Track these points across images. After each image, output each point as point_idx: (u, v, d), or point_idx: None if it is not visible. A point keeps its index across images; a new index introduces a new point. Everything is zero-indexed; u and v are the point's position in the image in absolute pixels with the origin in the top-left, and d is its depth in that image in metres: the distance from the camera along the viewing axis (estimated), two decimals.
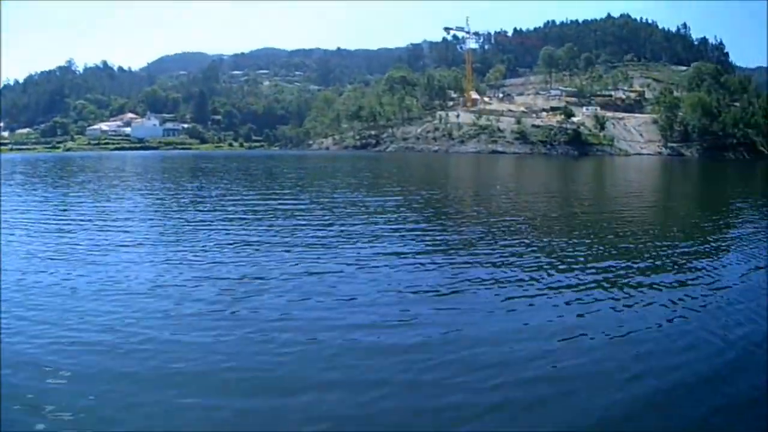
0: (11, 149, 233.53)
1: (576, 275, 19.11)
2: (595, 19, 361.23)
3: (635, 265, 20.68)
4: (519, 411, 10.02)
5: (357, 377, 11.22)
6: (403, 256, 22.01)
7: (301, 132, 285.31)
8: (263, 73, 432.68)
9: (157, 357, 11.86)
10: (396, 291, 17.04)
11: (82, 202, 42.35)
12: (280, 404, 10.18)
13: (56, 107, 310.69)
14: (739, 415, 10.06)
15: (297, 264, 20.19)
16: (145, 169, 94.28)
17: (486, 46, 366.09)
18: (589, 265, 20.50)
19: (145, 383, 10.72)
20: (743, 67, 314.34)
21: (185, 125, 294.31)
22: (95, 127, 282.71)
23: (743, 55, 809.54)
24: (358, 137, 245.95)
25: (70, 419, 9.51)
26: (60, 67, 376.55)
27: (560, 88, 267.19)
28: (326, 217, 32.56)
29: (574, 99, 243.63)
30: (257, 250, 22.66)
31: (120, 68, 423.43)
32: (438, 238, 26.32)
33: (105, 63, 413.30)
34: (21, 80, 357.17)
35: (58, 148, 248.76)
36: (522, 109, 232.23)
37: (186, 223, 30.03)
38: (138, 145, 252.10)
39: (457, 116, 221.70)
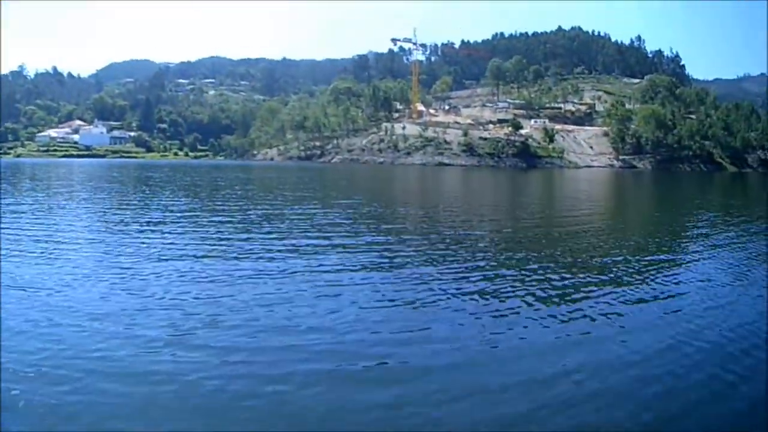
0: None
1: (510, 288, 18.01)
2: (545, 32, 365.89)
3: (578, 278, 19.62)
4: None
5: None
6: (349, 270, 20.39)
7: (246, 142, 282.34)
8: (209, 82, 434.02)
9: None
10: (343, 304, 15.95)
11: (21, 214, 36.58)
12: None
13: (7, 112, 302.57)
14: None
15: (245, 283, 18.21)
16: (91, 178, 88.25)
17: (433, 58, 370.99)
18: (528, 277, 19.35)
19: None
20: (701, 80, 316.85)
21: (132, 133, 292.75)
22: (44, 133, 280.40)
23: (700, 68, 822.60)
24: (302, 148, 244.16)
25: None
26: (12, 72, 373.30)
27: (508, 100, 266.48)
28: (273, 233, 29.72)
29: (522, 111, 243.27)
30: (206, 277, 19.28)
31: (69, 74, 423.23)
32: (387, 253, 23.91)
33: (55, 69, 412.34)
34: None
35: (9, 153, 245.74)
36: (469, 121, 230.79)
37: (126, 242, 25.94)
38: (85, 153, 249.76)
39: (403, 128, 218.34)
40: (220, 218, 35.27)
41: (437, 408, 9.85)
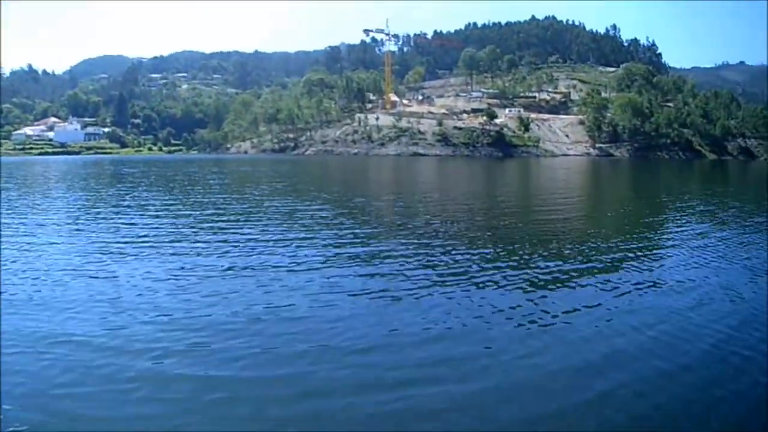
0: None
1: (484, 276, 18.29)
2: (519, 21, 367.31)
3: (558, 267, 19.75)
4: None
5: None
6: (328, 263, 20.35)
7: (219, 135, 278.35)
8: (182, 77, 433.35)
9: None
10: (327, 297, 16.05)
11: None
12: None
13: None
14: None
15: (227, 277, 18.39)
16: (66, 175, 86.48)
17: (405, 49, 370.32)
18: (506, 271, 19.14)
19: None
20: (678, 68, 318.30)
21: (106, 129, 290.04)
22: (20, 131, 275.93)
23: (678, 56, 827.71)
24: (276, 140, 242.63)
25: None
26: None
27: (482, 90, 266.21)
28: (251, 226, 29.48)
29: (496, 101, 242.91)
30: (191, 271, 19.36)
31: (44, 71, 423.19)
32: (371, 244, 24.33)
33: (30, 66, 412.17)
34: None
35: None
36: (443, 111, 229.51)
37: (106, 242, 25.00)
38: (60, 150, 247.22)
39: (377, 119, 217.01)
40: (196, 213, 34.68)
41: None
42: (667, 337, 12.85)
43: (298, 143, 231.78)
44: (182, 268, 19.30)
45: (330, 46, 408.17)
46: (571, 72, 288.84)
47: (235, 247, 23.06)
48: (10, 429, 8.96)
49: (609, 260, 20.78)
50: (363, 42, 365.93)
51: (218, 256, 21.18)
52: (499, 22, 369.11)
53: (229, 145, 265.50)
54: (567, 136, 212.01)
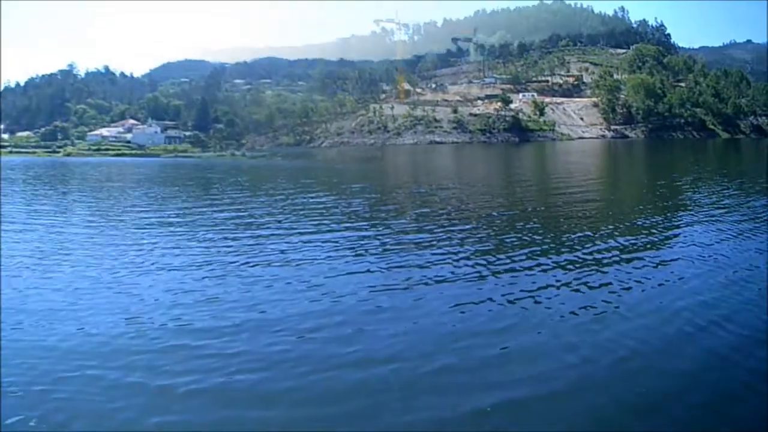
0: (11, 152, 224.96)
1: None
2: (528, 7, 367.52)
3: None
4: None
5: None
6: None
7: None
8: (266, 83, 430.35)
9: None
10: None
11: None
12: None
13: (57, 111, 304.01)
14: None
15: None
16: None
17: (416, 37, 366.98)
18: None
19: None
20: (686, 48, 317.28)
21: (187, 133, 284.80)
22: (96, 132, 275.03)
23: (685, 36, 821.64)
24: (292, 135, 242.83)
25: None
26: (61, 71, 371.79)
27: (494, 76, 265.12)
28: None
29: (509, 86, 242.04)
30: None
31: (122, 74, 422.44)
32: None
33: (107, 68, 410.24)
34: (22, 83, 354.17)
35: (58, 152, 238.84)
36: (457, 98, 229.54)
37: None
38: (139, 152, 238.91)
39: (392, 108, 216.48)
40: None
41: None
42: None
43: (314, 136, 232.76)
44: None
45: (340, 38, 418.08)
46: (582, 55, 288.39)
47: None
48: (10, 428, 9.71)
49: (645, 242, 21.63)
50: (374, 33, 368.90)
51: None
52: (508, 8, 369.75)
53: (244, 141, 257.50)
54: (582, 119, 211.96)
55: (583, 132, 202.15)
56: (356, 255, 21.60)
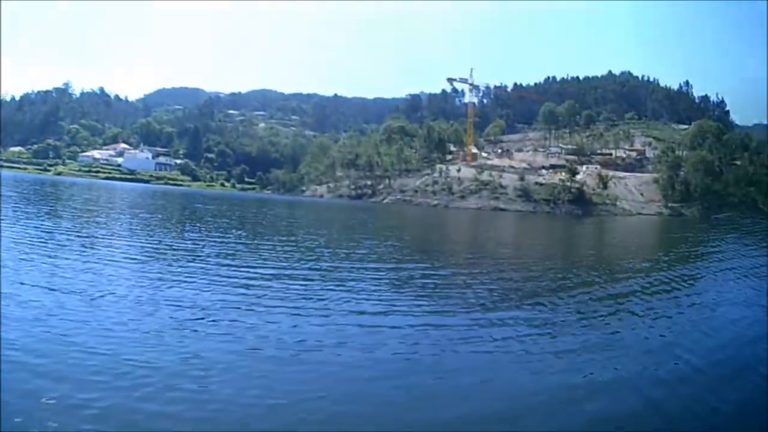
0: (1, 166, 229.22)
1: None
2: (596, 76, 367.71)
3: None
4: None
5: None
6: None
7: (295, 177, 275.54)
8: (259, 115, 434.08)
9: None
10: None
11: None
12: None
13: (50, 129, 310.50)
14: None
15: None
16: (138, 207, 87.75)
17: (485, 100, 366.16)
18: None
19: None
20: (741, 125, 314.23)
21: (178, 161, 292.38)
22: (88, 153, 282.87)
23: (740, 113, 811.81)
24: (353, 186, 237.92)
25: None
26: (57, 89, 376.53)
27: (560, 145, 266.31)
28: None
29: (574, 157, 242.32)
30: None
31: (116, 97, 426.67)
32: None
33: (102, 90, 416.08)
34: (17, 97, 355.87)
35: (49, 170, 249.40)
36: (524, 165, 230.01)
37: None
38: (129, 177, 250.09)
39: (458, 170, 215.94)
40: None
41: None
42: None
43: (376, 191, 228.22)
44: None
45: (410, 94, 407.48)
46: (645, 129, 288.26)
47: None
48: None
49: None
50: (444, 92, 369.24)
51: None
52: (577, 77, 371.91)
53: (304, 188, 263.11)
54: (641, 194, 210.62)
55: (641, 208, 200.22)
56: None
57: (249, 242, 42.78)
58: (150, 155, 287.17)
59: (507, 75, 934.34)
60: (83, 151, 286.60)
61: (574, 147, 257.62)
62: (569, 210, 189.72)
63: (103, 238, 37.78)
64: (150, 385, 12.81)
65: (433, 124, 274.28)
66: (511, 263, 37.63)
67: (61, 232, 39.33)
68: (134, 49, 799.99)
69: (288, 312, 20.31)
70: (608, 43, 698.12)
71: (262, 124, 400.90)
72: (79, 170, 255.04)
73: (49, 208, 62.55)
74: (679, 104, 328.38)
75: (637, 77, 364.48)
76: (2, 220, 43.48)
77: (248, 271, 27.98)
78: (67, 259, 28.19)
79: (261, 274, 27.83)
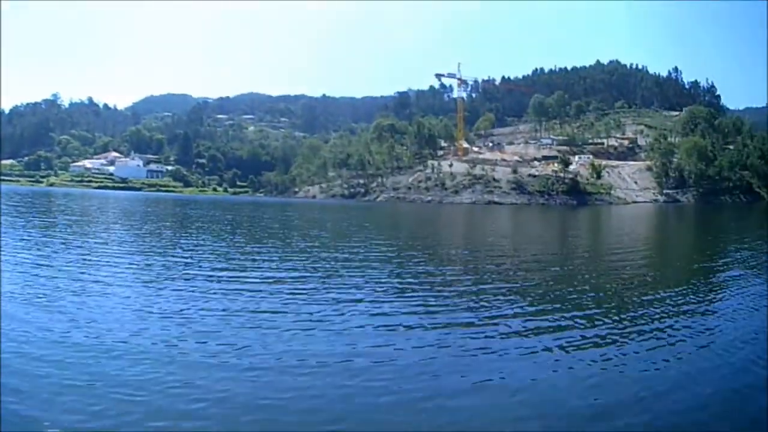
0: None
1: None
2: (584, 66, 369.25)
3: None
4: None
5: None
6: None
7: (287, 179, 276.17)
8: (248, 118, 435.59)
9: None
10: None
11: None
12: None
13: (41, 141, 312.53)
14: None
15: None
16: (132, 215, 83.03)
17: (473, 95, 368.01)
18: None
19: None
20: (732, 109, 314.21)
21: (169, 167, 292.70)
22: (79, 163, 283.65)
23: (731, 97, 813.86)
24: (346, 186, 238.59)
25: None
26: (46, 101, 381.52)
27: (551, 137, 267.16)
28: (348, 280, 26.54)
29: (565, 148, 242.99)
30: None
31: (105, 106, 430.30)
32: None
33: (90, 99, 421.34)
34: (6, 111, 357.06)
35: (41, 182, 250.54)
36: (515, 158, 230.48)
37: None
38: (121, 185, 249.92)
39: (450, 165, 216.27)
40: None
41: None
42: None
43: (369, 189, 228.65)
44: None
45: (399, 92, 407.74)
46: (637, 117, 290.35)
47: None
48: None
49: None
50: (432, 88, 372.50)
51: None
52: (565, 67, 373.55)
53: (296, 189, 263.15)
54: (636, 182, 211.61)
55: (636, 196, 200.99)
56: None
57: (247, 247, 39.61)
58: (141, 163, 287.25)
59: (494, 69, 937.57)
60: (74, 161, 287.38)
61: (566, 138, 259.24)
62: (564, 201, 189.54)
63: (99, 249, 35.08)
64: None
65: (422, 120, 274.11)
66: (532, 259, 35.28)
67: (53, 244, 37.29)
68: (120, 58, 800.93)
69: (306, 321, 18.53)
70: (595, 32, 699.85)
71: (251, 128, 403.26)
72: (72, 180, 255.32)
73: (41, 220, 60.01)
74: (669, 91, 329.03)
75: (625, 66, 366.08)
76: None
77: (247, 279, 26.02)
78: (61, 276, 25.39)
79: (263, 279, 26.08)
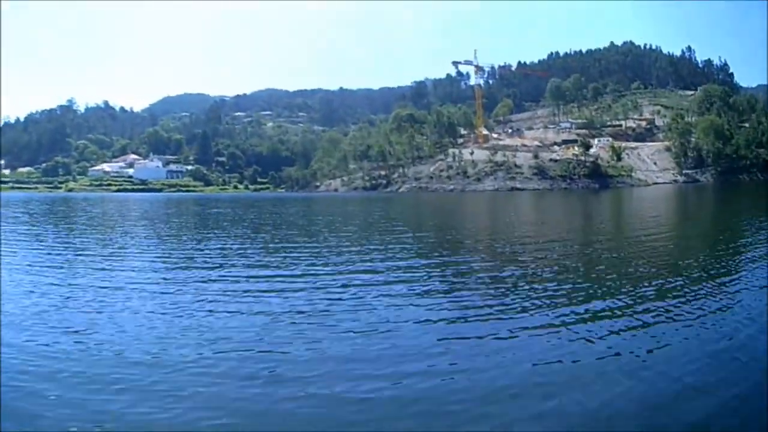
0: (12, 188, 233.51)
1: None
2: (599, 49, 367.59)
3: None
4: None
5: None
6: None
7: (308, 173, 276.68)
8: (266, 114, 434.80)
9: None
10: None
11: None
12: None
13: (58, 146, 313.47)
14: None
15: None
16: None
17: (490, 81, 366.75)
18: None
19: None
20: (745, 87, 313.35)
21: (189, 167, 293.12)
22: (98, 167, 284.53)
23: (743, 75, 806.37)
24: (367, 178, 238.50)
25: None
26: (61, 106, 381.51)
27: (570, 120, 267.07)
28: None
29: (584, 131, 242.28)
30: None
31: (122, 108, 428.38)
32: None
33: (106, 103, 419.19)
34: (21, 118, 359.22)
35: (59, 188, 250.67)
36: (536, 143, 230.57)
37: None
38: (141, 187, 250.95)
39: (471, 153, 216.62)
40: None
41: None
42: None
43: (391, 180, 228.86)
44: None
45: (416, 81, 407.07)
46: (653, 98, 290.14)
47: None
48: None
49: None
50: (449, 76, 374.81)
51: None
52: (580, 50, 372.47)
53: (318, 183, 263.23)
54: (655, 163, 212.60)
55: (656, 177, 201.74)
56: None
57: (276, 245, 40.08)
58: (160, 164, 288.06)
59: (509, 54, 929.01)
60: (93, 166, 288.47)
61: (584, 121, 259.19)
62: (586, 184, 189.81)
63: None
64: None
65: (441, 109, 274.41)
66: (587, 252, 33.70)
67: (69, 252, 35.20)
68: (136, 59, 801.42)
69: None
70: (608, 13, 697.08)
71: (269, 124, 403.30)
72: (90, 185, 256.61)
73: (59, 225, 60.19)
74: (683, 70, 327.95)
75: (639, 46, 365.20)
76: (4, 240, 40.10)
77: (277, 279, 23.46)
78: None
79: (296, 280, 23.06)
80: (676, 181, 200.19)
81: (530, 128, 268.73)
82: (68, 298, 19.86)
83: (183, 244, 39.53)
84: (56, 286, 21.95)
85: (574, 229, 52.08)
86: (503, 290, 20.22)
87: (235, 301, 19.18)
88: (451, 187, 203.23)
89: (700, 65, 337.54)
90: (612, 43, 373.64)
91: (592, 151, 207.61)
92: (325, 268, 25.90)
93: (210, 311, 17.69)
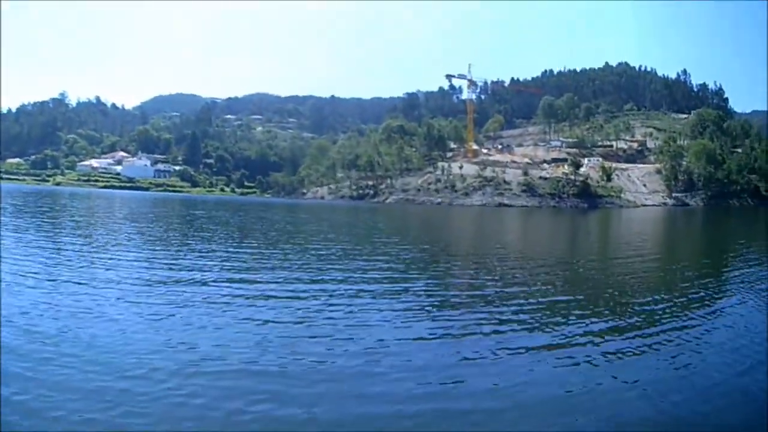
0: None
1: None
2: (593, 68, 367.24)
3: None
4: None
5: None
6: None
7: (295, 180, 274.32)
8: (256, 119, 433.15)
9: None
10: None
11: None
12: None
13: (48, 140, 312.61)
14: None
15: None
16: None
17: (482, 96, 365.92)
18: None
19: None
20: (739, 112, 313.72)
21: (177, 167, 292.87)
22: (86, 162, 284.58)
23: (738, 100, 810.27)
24: (354, 187, 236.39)
25: None
26: (53, 99, 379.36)
27: (560, 139, 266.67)
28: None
29: (575, 150, 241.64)
30: None
31: (113, 105, 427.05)
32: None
33: (98, 99, 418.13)
34: (14, 109, 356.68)
35: (47, 181, 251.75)
36: (526, 160, 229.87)
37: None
38: (128, 185, 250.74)
39: (461, 167, 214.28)
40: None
41: None
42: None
43: (378, 191, 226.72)
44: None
45: (408, 93, 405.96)
46: (645, 119, 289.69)
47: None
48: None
49: None
50: (441, 89, 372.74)
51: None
52: (575, 69, 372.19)
53: (305, 190, 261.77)
54: (645, 185, 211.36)
55: (645, 199, 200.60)
56: None
57: (264, 251, 38.90)
58: (148, 162, 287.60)
59: (503, 70, 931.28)
60: (81, 161, 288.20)
61: (575, 140, 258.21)
62: (575, 203, 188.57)
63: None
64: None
65: (432, 121, 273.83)
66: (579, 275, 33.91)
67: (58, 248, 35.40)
68: (128, 57, 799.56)
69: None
70: (604, 34, 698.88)
71: (259, 128, 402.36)
72: (78, 179, 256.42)
73: (43, 220, 59.08)
74: (677, 93, 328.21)
75: (634, 68, 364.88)
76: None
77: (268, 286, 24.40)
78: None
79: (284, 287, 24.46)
80: (665, 203, 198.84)
81: (520, 145, 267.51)
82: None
83: (160, 252, 37.31)
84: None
85: (565, 249, 53.45)
86: (499, 310, 20.60)
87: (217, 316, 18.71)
88: (439, 200, 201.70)
89: (695, 89, 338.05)
90: (607, 63, 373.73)
91: (582, 170, 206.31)
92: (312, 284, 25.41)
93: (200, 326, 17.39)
